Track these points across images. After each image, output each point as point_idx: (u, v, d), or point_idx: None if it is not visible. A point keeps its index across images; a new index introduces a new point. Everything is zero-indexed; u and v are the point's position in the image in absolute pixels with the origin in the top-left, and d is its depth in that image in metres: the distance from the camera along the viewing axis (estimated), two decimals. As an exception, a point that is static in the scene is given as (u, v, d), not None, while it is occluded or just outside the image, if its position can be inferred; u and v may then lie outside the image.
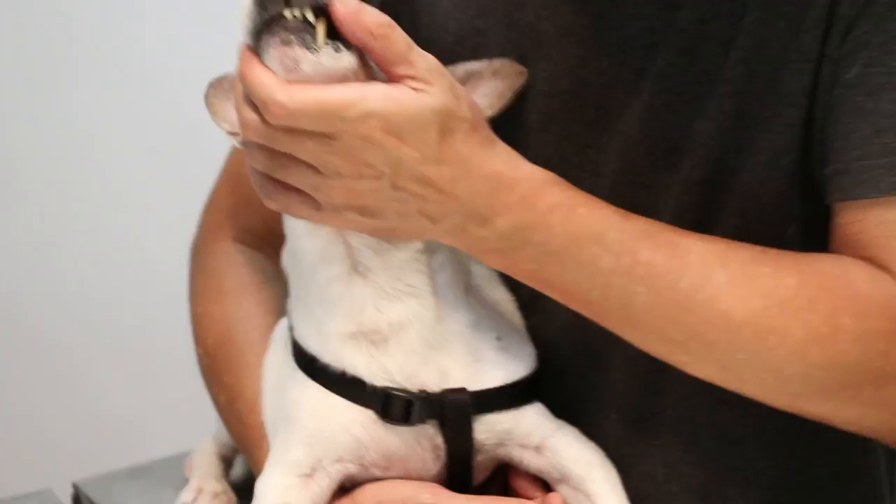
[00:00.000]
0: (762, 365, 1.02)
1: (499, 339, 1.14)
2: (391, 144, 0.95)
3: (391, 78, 0.96)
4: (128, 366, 2.57)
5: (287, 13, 0.92)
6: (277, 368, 1.19)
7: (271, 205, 1.01)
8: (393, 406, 1.08)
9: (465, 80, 1.13)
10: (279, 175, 0.98)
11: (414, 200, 0.99)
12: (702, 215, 1.11)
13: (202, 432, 1.44)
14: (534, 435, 1.13)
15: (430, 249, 1.11)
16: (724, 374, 1.05)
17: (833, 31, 1.05)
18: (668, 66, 1.11)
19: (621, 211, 1.05)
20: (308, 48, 0.92)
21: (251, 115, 0.95)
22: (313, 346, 1.12)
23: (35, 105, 2.46)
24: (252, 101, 0.95)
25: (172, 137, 2.43)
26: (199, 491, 1.36)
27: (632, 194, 1.13)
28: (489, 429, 1.11)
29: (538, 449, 1.14)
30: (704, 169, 1.10)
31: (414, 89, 0.95)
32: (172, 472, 1.45)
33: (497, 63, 1.15)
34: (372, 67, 0.97)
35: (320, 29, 0.93)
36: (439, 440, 1.10)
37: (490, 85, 1.15)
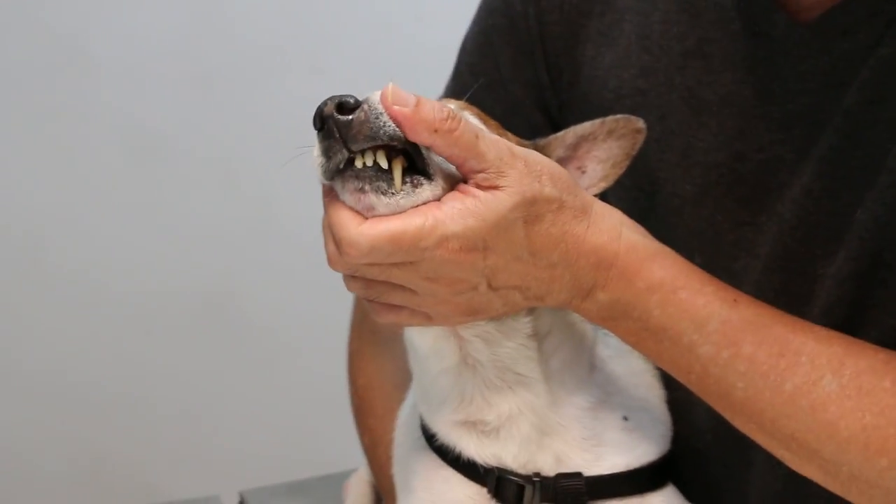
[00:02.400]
0: (869, 482, 0.94)
1: (626, 419, 1.10)
2: (477, 259, 0.91)
3: (462, 173, 0.91)
4: (303, 380, 2.63)
5: (358, 162, 0.89)
6: (406, 425, 1.20)
7: (383, 322, 0.99)
8: (505, 489, 1.06)
9: (576, 145, 1.07)
10: (380, 300, 0.96)
11: (517, 292, 0.96)
12: (853, 311, 1.02)
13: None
14: None
15: (542, 333, 1.06)
16: (828, 479, 0.97)
17: None
18: (832, 149, 1.02)
19: (730, 295, 0.98)
20: (383, 193, 0.88)
21: (333, 249, 0.92)
22: (431, 426, 1.11)
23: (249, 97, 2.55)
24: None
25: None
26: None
27: (784, 281, 1.06)
28: None
29: None
30: (860, 262, 1.01)
31: (487, 188, 0.90)
32: (329, 490, 1.49)
33: (611, 122, 1.07)
34: (454, 174, 0.92)
35: (397, 173, 0.89)
36: None
37: (605, 148, 1.07)
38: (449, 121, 0.88)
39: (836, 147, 1.02)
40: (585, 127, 1.08)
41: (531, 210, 0.92)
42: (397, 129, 0.87)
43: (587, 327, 1.11)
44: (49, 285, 2.56)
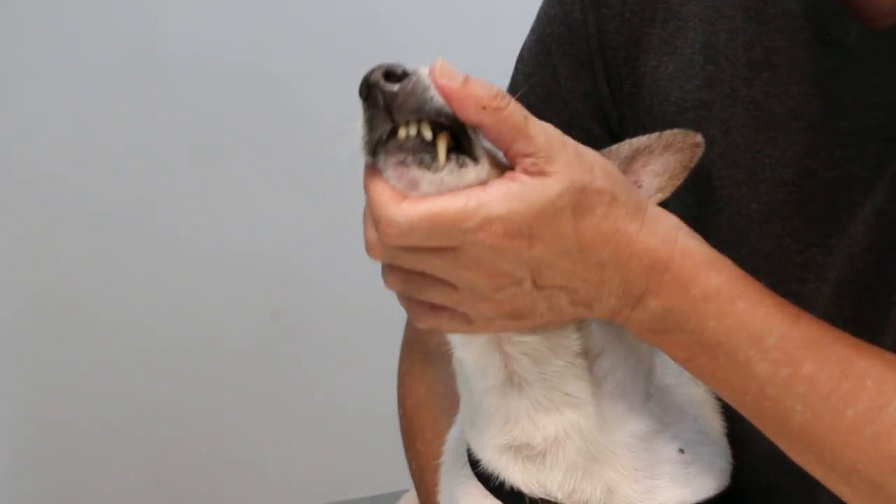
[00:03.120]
0: None
1: (682, 451, 1.04)
2: (522, 247, 0.85)
3: (509, 158, 0.86)
4: (355, 399, 2.56)
5: (402, 132, 0.84)
6: (453, 451, 1.15)
7: (422, 325, 0.94)
8: None
9: (632, 158, 1.02)
10: (419, 296, 0.91)
11: (563, 294, 0.90)
12: None
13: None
14: None
15: (593, 352, 1.01)
16: None
17: None
18: None
19: (791, 311, 0.92)
20: (428, 167, 0.84)
21: (373, 234, 0.87)
22: (476, 451, 1.06)
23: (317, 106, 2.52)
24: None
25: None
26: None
27: (855, 307, 0.99)
28: None
29: None
30: None
31: (534, 174, 0.84)
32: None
33: (669, 135, 1.01)
34: (501, 162, 0.87)
35: (441, 148, 0.84)
36: None
37: (661, 162, 1.01)
38: (498, 99, 0.83)
39: None
40: (642, 140, 1.03)
41: (581, 199, 0.86)
42: (444, 104, 0.84)
43: (644, 352, 1.05)
44: (111, 307, 2.56)
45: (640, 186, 1.03)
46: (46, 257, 2.55)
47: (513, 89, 1.28)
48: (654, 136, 1.02)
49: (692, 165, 1.01)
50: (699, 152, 1.01)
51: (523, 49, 1.29)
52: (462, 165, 0.85)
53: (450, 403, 1.23)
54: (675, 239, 0.91)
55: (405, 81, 0.83)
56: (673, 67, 1.13)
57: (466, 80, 0.83)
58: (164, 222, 2.55)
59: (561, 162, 0.85)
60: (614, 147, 1.03)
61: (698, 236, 0.94)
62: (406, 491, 1.43)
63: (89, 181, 2.52)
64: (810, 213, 1.03)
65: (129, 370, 2.57)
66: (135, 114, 2.52)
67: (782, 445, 0.95)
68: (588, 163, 0.87)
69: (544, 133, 0.86)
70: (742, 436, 1.10)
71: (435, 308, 0.92)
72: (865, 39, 0.98)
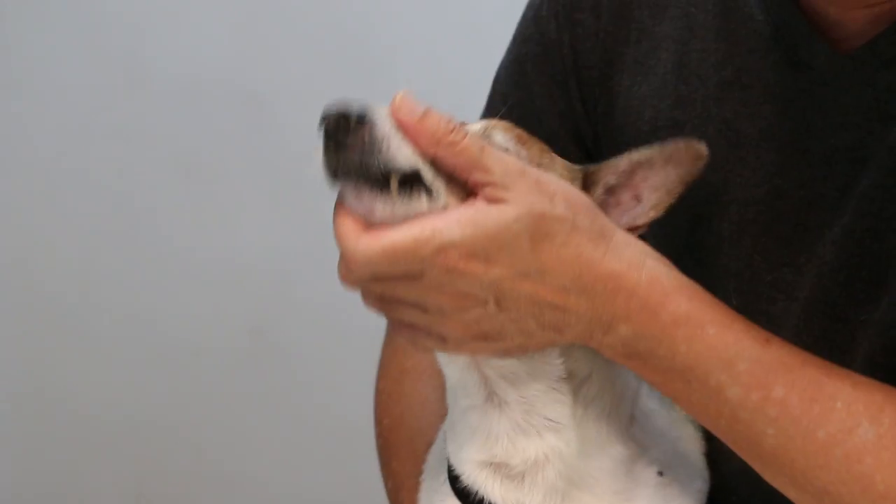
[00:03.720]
0: None
1: (661, 473, 1.04)
2: (479, 270, 0.86)
3: (470, 186, 0.87)
4: (337, 417, 2.52)
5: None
6: (433, 468, 1.15)
7: (400, 340, 0.96)
8: None
9: (631, 171, 1.01)
10: (392, 316, 0.93)
11: (529, 317, 0.90)
12: None
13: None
14: None
15: (579, 377, 1.01)
16: None
17: None
18: (875, 187, 0.96)
19: (761, 335, 0.92)
20: (381, 193, 0.86)
21: (342, 265, 0.89)
22: (456, 465, 1.06)
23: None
24: None
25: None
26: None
27: (824, 327, 0.99)
28: None
29: None
30: None
31: (491, 201, 0.86)
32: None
33: (671, 148, 1.00)
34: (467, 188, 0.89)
35: (393, 181, 0.86)
36: None
37: (662, 175, 1.00)
38: (453, 134, 0.86)
39: (880, 185, 0.96)
40: (643, 153, 1.01)
41: (539, 225, 0.87)
42: (391, 160, 0.86)
43: (631, 377, 1.05)
44: (93, 319, 2.55)
45: (639, 202, 1.02)
46: (28, 267, 2.54)
47: (489, 109, 1.29)
48: (656, 147, 1.01)
49: (691, 180, 1.00)
50: (701, 165, 0.99)
51: (500, 69, 1.29)
52: (414, 191, 0.87)
53: (427, 423, 1.23)
54: (643, 264, 0.91)
55: (360, 131, 0.86)
56: (646, 87, 1.13)
57: (425, 114, 0.86)
58: (146, 235, 2.54)
59: (519, 190, 0.87)
60: (612, 161, 1.03)
61: (667, 262, 0.95)
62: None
63: (73, 193, 2.51)
64: (780, 232, 1.03)
65: (108, 382, 2.56)
66: (119, 127, 2.51)
67: (756, 467, 0.95)
68: (549, 192, 0.88)
69: (501, 164, 0.87)
70: (715, 455, 1.10)
71: (412, 325, 0.93)
72: (834, 61, 0.98)
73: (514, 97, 1.25)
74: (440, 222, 0.86)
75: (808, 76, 1.00)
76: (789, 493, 0.94)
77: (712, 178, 1.06)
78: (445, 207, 0.88)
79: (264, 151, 2.51)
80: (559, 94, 1.22)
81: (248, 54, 2.50)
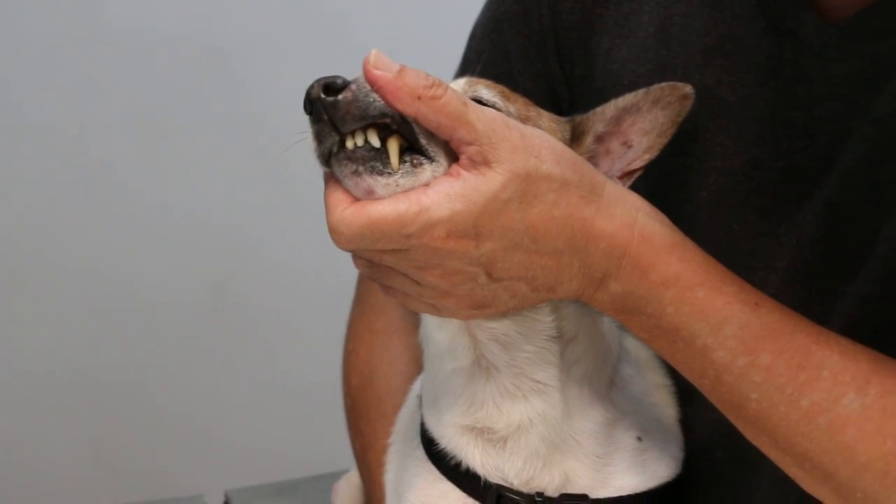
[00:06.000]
0: None
1: (639, 439, 1.04)
2: (469, 247, 0.84)
3: (454, 147, 0.84)
4: (300, 377, 2.56)
5: (349, 143, 0.84)
6: (405, 432, 1.14)
7: (392, 301, 0.94)
8: None
9: (618, 118, 1.00)
10: (384, 283, 0.91)
11: (523, 283, 0.89)
12: (874, 334, 0.95)
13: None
14: None
15: (566, 337, 1.00)
16: (842, 503, 0.92)
17: None
18: (859, 160, 0.96)
19: (752, 298, 0.91)
20: (381, 173, 0.83)
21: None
22: (434, 430, 1.05)
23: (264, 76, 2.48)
24: None
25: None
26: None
27: (803, 298, 0.99)
28: None
29: None
30: (885, 283, 0.95)
31: (478, 164, 0.83)
32: (318, 493, 1.44)
33: (656, 90, 0.99)
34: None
35: (393, 151, 0.83)
36: None
37: (650, 119, 0.99)
38: (434, 88, 0.82)
39: (864, 158, 0.95)
40: (628, 98, 1.00)
41: (528, 188, 0.84)
42: (388, 105, 0.82)
43: (614, 341, 1.05)
44: (49, 275, 2.52)
45: (630, 147, 1.01)
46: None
47: (465, 67, 1.27)
48: (641, 92, 1.00)
49: (681, 120, 0.99)
50: (689, 104, 0.99)
51: (476, 26, 1.27)
52: (417, 165, 0.84)
53: (396, 384, 1.22)
54: (634, 222, 0.90)
55: (345, 92, 0.83)
56: (626, 51, 1.12)
57: (401, 70, 0.82)
58: (106, 191, 2.51)
59: (504, 148, 0.84)
60: (598, 109, 1.01)
61: (661, 216, 0.94)
62: (347, 471, 1.42)
63: (30, 147, 2.47)
64: (759, 202, 1.03)
65: (65, 338, 2.52)
66: (79, 80, 2.47)
67: (739, 426, 0.95)
68: (535, 146, 0.86)
69: (485, 119, 0.84)
70: (687, 423, 1.10)
71: (404, 293, 0.92)
72: (821, 31, 0.97)
73: (490, 55, 1.22)
74: (426, 198, 0.83)
75: (793, 45, 0.99)
76: (770, 453, 0.94)
77: (691, 147, 1.06)
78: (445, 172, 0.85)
79: (226, 107, 2.48)
80: (536, 54, 1.20)
81: (210, 9, 2.45)
